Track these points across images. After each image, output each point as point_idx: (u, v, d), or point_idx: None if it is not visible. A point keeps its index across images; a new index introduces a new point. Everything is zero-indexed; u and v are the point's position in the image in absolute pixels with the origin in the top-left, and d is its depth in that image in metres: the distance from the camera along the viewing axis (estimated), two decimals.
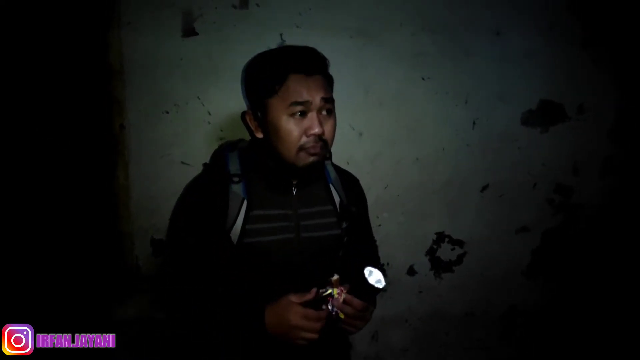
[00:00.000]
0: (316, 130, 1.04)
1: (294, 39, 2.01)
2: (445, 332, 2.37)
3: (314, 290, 1.05)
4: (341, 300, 1.06)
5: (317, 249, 1.15)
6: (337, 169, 1.31)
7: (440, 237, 2.28)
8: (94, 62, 1.97)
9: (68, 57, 1.93)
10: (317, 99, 1.05)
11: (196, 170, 2.11)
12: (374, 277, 1.05)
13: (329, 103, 1.08)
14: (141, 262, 2.14)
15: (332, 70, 1.13)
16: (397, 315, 2.30)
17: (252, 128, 1.13)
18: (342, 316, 1.07)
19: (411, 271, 2.29)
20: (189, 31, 1.97)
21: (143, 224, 2.10)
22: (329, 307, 1.07)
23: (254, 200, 1.11)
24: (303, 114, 1.05)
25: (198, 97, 2.01)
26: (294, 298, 1.03)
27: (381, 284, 1.05)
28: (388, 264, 2.22)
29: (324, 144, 1.08)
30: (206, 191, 1.12)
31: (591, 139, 2.31)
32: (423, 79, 2.14)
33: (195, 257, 1.12)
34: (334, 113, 1.11)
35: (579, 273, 2.39)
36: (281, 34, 1.99)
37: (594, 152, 2.33)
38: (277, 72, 1.05)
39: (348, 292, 1.07)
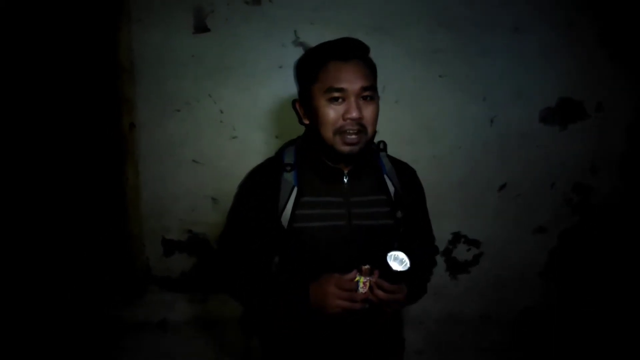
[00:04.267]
0: (353, 114, 1.06)
1: (308, 36, 1.97)
2: (459, 334, 2.32)
3: (355, 271, 1.09)
4: (366, 289, 1.07)
5: (368, 238, 1.17)
6: (393, 160, 1.32)
7: (456, 237, 2.24)
8: (103, 59, 1.94)
9: (76, 53, 1.90)
10: (355, 86, 1.07)
11: (208, 169, 2.09)
12: (397, 260, 1.05)
13: (368, 90, 1.10)
14: (152, 263, 2.11)
15: None
16: (412, 317, 2.26)
17: (301, 115, 1.19)
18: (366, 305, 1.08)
19: None
20: (201, 28, 1.94)
21: (154, 224, 2.07)
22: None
23: (304, 188, 1.17)
24: (341, 99, 1.08)
25: (210, 95, 1.97)
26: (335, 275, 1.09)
27: (405, 266, 1.04)
28: None
29: (362, 129, 1.10)
30: (260, 178, 1.20)
31: (610, 137, 2.26)
32: (440, 76, 2.09)
33: (250, 238, 1.19)
34: (377, 100, 1.13)
35: (597, 274, 2.34)
36: (295, 31, 1.95)
37: (613, 150, 2.28)
38: (317, 59, 1.11)
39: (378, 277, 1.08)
